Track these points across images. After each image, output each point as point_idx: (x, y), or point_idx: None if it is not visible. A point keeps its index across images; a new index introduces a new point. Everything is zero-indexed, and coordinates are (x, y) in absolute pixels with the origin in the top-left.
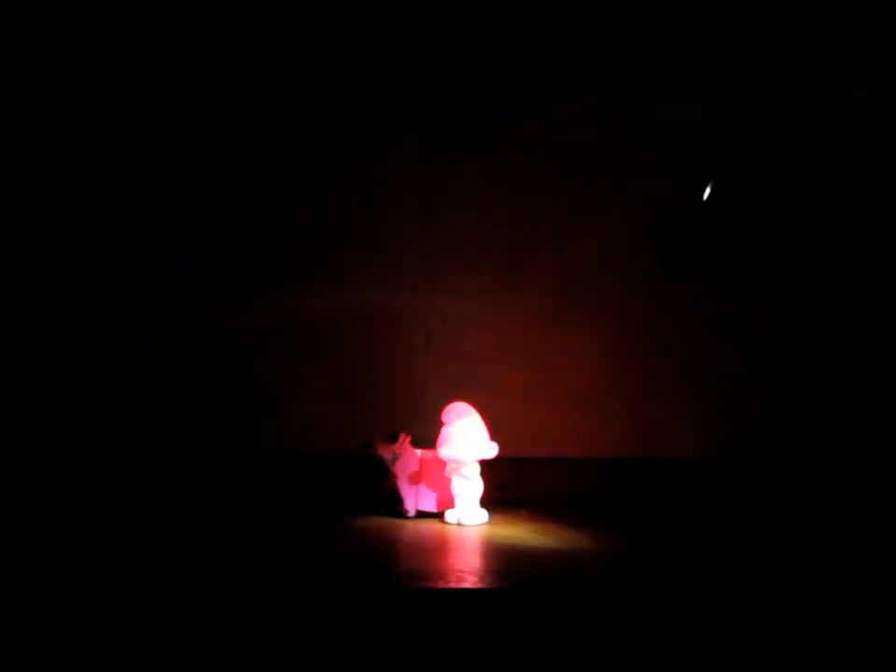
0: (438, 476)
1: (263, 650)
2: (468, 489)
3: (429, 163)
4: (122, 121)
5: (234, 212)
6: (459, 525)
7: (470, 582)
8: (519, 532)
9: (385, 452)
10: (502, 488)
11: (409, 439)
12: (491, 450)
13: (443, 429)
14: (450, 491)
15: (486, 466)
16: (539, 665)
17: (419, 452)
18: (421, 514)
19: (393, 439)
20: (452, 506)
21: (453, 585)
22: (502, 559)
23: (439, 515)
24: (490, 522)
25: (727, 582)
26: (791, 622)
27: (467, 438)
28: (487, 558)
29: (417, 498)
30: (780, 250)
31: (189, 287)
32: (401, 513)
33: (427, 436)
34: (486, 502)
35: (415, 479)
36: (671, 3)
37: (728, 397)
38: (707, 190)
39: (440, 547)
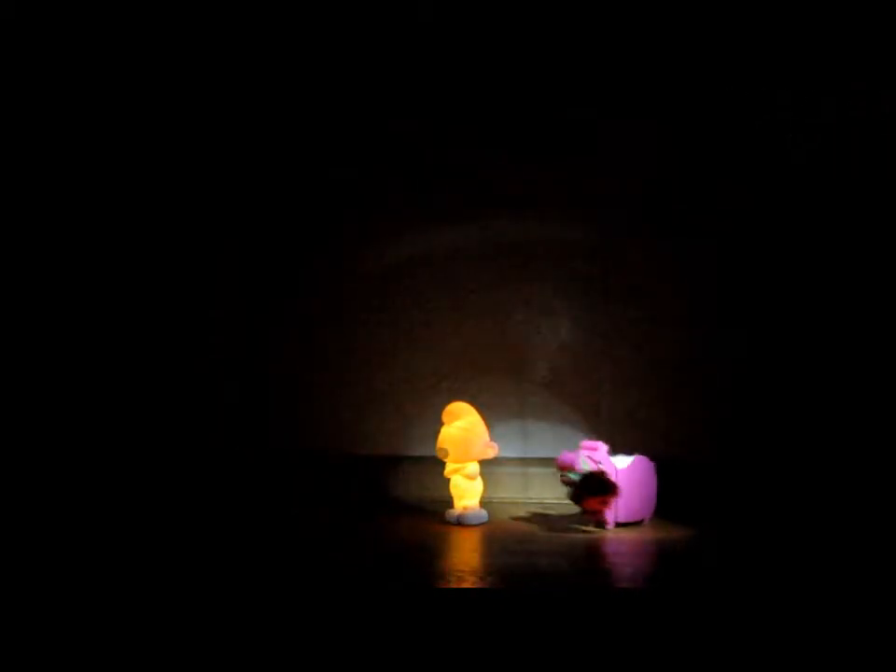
0: (633, 484)
1: (264, 649)
2: (468, 489)
3: None
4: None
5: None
6: (459, 524)
7: (470, 582)
8: (519, 532)
9: (592, 462)
10: None
11: (606, 448)
12: (491, 450)
13: (443, 430)
14: (645, 497)
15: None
16: (540, 665)
17: (613, 460)
18: (620, 525)
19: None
20: (647, 512)
21: (453, 585)
22: (502, 559)
23: (639, 523)
24: (490, 522)
25: (721, 586)
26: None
27: (467, 438)
28: (487, 558)
29: (617, 510)
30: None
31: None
32: (601, 525)
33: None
34: None
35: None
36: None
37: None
38: None
39: (440, 547)
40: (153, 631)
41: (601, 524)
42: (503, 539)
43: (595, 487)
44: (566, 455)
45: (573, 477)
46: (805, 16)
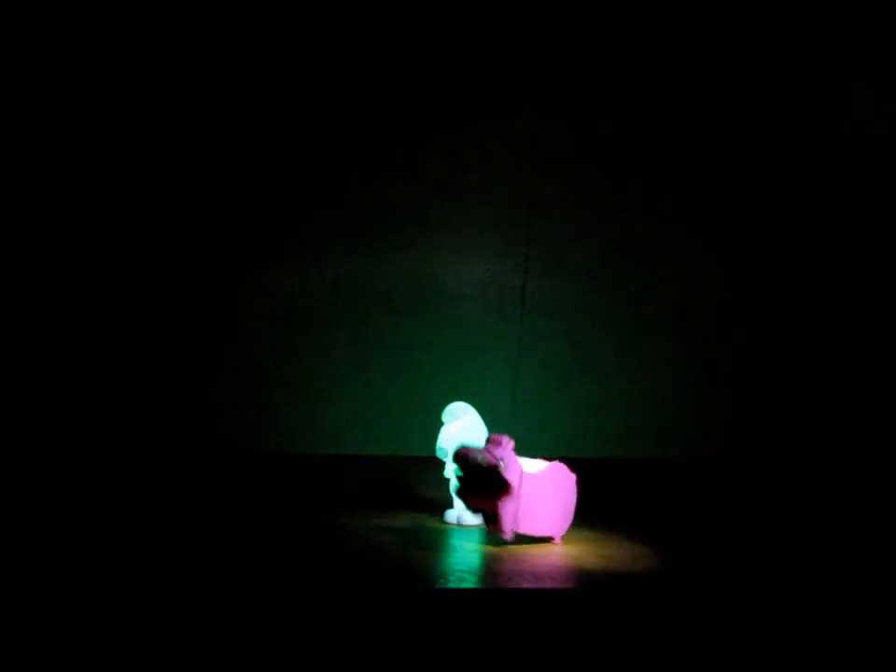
0: (541, 494)
1: (264, 649)
2: None
3: None
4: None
5: None
6: (459, 525)
7: (470, 582)
8: (518, 532)
9: (490, 457)
10: None
11: (512, 444)
12: None
13: (443, 429)
14: (557, 510)
15: None
16: (539, 664)
17: (522, 462)
18: (520, 538)
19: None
20: (557, 528)
21: (453, 585)
22: (502, 559)
23: (545, 539)
24: None
25: (728, 581)
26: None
27: (467, 438)
28: (487, 558)
29: (518, 518)
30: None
31: None
32: (496, 534)
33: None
34: None
35: (515, 494)
36: None
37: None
38: None
39: (440, 547)
40: (150, 632)
41: (497, 531)
42: (503, 540)
43: (481, 484)
44: (466, 449)
45: (459, 473)
46: (806, 16)
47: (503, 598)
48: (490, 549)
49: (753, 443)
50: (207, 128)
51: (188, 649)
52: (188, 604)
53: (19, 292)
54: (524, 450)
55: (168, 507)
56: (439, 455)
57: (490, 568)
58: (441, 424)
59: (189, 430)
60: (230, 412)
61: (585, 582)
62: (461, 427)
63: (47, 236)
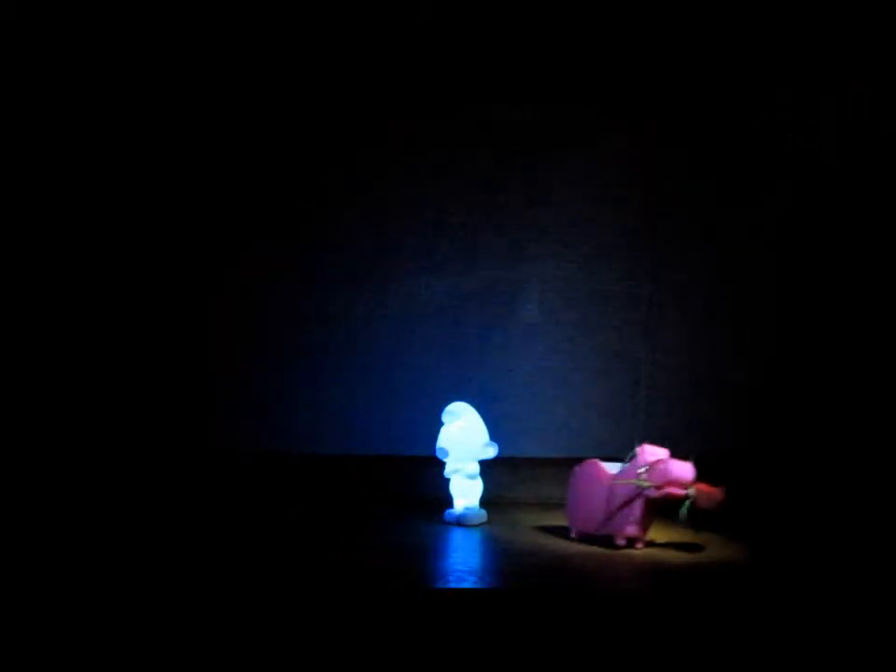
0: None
1: (265, 649)
2: (468, 489)
3: None
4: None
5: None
6: (459, 524)
7: (470, 582)
8: (518, 532)
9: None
10: None
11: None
12: (491, 450)
13: (443, 430)
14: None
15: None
16: (539, 665)
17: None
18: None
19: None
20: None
21: (453, 585)
22: (502, 559)
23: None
24: (490, 522)
25: (723, 585)
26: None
27: (466, 438)
28: (487, 558)
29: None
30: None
31: None
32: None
33: None
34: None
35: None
36: None
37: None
38: None
39: (440, 547)
40: (148, 632)
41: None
42: (503, 540)
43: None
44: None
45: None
46: (806, 16)
47: (503, 598)
48: (490, 549)
49: (753, 443)
50: (220, 131)
51: (187, 649)
52: (187, 604)
53: (19, 294)
54: None
55: (167, 507)
56: (439, 455)
57: (490, 568)
58: (441, 424)
59: (189, 430)
60: (229, 411)
61: (585, 584)
62: (461, 426)
63: (53, 240)
